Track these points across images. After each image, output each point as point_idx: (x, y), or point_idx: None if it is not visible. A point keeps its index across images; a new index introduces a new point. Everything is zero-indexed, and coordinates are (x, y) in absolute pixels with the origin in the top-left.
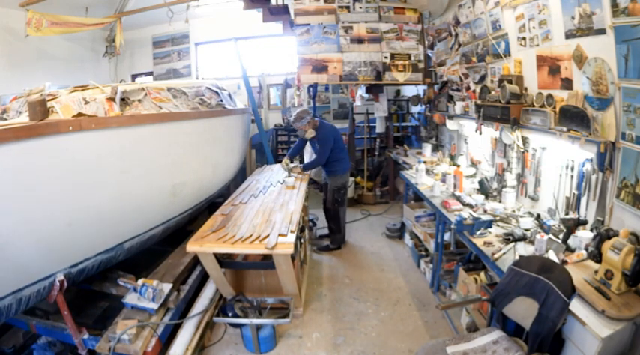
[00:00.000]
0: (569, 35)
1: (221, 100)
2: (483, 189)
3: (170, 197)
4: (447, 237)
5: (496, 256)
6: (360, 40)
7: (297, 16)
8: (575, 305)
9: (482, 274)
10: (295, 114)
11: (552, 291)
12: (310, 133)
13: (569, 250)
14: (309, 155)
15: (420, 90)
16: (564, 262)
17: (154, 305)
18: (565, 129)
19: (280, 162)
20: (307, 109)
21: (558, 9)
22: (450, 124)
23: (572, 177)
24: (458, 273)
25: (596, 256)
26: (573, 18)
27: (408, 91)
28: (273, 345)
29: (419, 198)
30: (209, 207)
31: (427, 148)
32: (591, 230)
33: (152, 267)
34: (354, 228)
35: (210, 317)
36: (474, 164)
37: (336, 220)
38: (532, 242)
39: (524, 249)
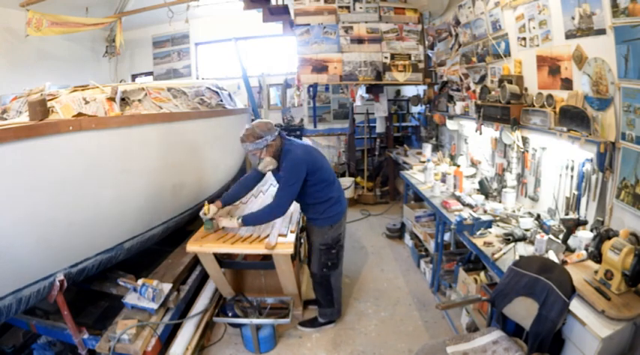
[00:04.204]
0: (569, 35)
1: (221, 100)
2: (483, 189)
3: (170, 197)
4: (447, 237)
5: (496, 256)
6: (360, 40)
7: (297, 16)
8: (575, 306)
9: (482, 274)
10: (246, 130)
11: (552, 291)
12: (268, 164)
13: (569, 250)
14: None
15: (420, 90)
16: (564, 262)
17: (154, 305)
18: (565, 129)
19: None
20: (270, 123)
21: (558, 9)
22: (450, 124)
23: (572, 177)
24: (458, 273)
25: (596, 256)
26: (573, 18)
27: (408, 91)
28: (273, 345)
29: (419, 198)
30: None
31: (427, 148)
32: (591, 230)
33: (152, 267)
34: (354, 228)
35: (210, 317)
36: (474, 164)
37: (324, 290)
38: (532, 242)
39: (524, 249)
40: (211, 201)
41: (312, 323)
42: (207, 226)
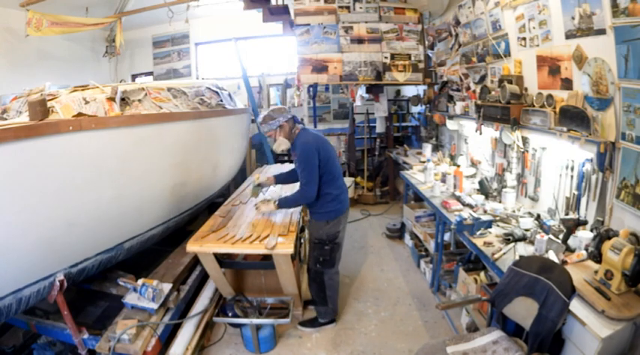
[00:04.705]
0: (569, 35)
1: (221, 100)
2: (483, 189)
3: (170, 197)
4: (447, 237)
5: (496, 256)
6: (360, 40)
7: (297, 16)
8: (575, 306)
9: (482, 274)
10: (264, 114)
11: (552, 291)
12: (281, 144)
13: (569, 250)
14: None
15: (420, 90)
16: (564, 262)
17: (154, 305)
18: (565, 129)
19: (282, 162)
20: (283, 108)
21: (558, 9)
22: (450, 124)
23: (572, 177)
24: (458, 273)
25: (596, 256)
26: (573, 18)
27: (408, 91)
28: (273, 345)
29: (419, 198)
30: (209, 207)
31: (427, 148)
32: (591, 230)
33: (152, 267)
34: (354, 227)
35: (210, 317)
36: (474, 164)
37: (317, 286)
38: (532, 242)
39: (524, 249)
40: None
41: (312, 323)
42: (255, 190)
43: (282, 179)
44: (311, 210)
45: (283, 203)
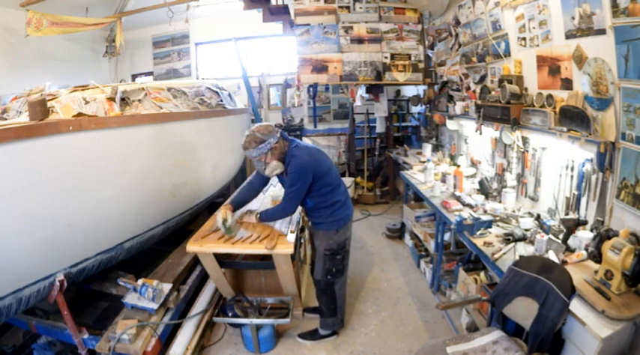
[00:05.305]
0: (569, 35)
1: (221, 100)
2: (483, 189)
3: (170, 197)
4: (447, 237)
5: (496, 256)
6: (360, 40)
7: (297, 16)
8: (575, 306)
9: (482, 274)
10: (247, 136)
11: (552, 291)
12: (275, 168)
13: (569, 250)
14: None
15: (420, 90)
16: (564, 262)
17: (154, 305)
18: (565, 129)
19: None
20: (270, 125)
21: (558, 9)
22: (450, 124)
23: (572, 177)
24: (458, 273)
25: (596, 256)
26: (573, 18)
27: (408, 91)
28: (273, 345)
29: (419, 198)
30: (209, 207)
31: (427, 148)
32: (591, 230)
33: (152, 267)
34: (354, 227)
35: (210, 317)
36: (474, 164)
37: (328, 298)
38: (532, 242)
39: (524, 249)
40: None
41: (312, 335)
42: (229, 232)
43: (239, 202)
44: (317, 220)
45: (264, 216)
